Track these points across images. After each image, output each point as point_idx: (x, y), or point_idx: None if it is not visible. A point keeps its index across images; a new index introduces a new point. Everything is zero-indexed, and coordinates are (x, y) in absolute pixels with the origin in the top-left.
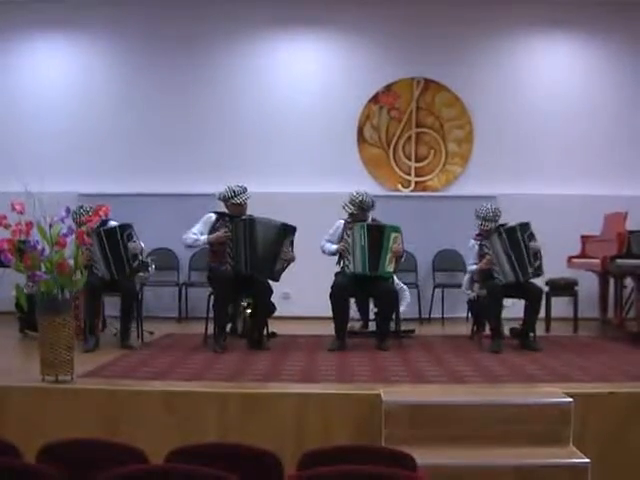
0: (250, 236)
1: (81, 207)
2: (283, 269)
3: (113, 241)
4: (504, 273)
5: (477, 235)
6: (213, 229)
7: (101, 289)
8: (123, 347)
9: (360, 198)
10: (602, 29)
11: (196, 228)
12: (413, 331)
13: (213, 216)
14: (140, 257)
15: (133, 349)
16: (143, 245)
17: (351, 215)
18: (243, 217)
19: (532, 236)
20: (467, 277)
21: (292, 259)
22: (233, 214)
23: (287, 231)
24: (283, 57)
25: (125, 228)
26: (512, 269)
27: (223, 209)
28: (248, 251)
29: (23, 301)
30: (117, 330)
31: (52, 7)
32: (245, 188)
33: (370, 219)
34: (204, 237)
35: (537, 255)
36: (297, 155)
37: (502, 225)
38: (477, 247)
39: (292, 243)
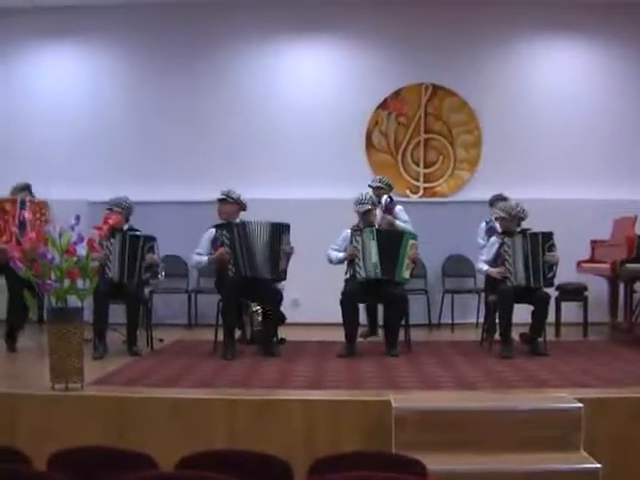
0: (245, 239)
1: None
2: (287, 265)
3: (134, 248)
4: (516, 276)
5: (500, 233)
6: (215, 242)
7: (108, 296)
8: (131, 354)
9: (363, 197)
10: (609, 31)
11: (200, 247)
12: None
13: (213, 231)
14: (154, 271)
15: (140, 356)
16: (160, 263)
17: (364, 214)
18: (236, 222)
19: (552, 247)
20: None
21: (292, 252)
22: (222, 217)
23: (281, 229)
24: (290, 63)
25: (149, 240)
26: (525, 273)
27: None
28: (245, 254)
29: (33, 305)
30: (125, 337)
31: (59, 16)
32: (228, 193)
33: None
34: (205, 258)
35: (552, 267)
36: (305, 161)
37: (525, 229)
38: (497, 245)
39: (289, 240)
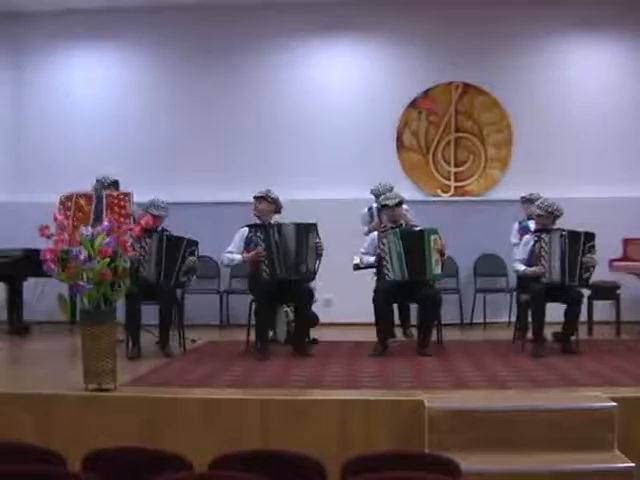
0: (280, 241)
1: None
2: (318, 266)
3: (174, 250)
4: (551, 272)
5: (535, 231)
6: (246, 243)
7: (140, 297)
8: (163, 355)
9: (392, 193)
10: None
11: (232, 246)
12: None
13: (246, 230)
14: (191, 274)
15: (173, 356)
16: (199, 267)
17: (392, 209)
18: (272, 223)
19: (592, 248)
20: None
21: (322, 250)
22: (260, 218)
23: (309, 229)
24: (320, 64)
25: (192, 243)
26: (561, 270)
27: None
28: (281, 255)
29: (67, 311)
30: (158, 338)
31: (90, 19)
32: (267, 192)
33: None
34: (239, 257)
35: (589, 269)
36: (336, 161)
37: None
38: (532, 242)
39: (318, 236)
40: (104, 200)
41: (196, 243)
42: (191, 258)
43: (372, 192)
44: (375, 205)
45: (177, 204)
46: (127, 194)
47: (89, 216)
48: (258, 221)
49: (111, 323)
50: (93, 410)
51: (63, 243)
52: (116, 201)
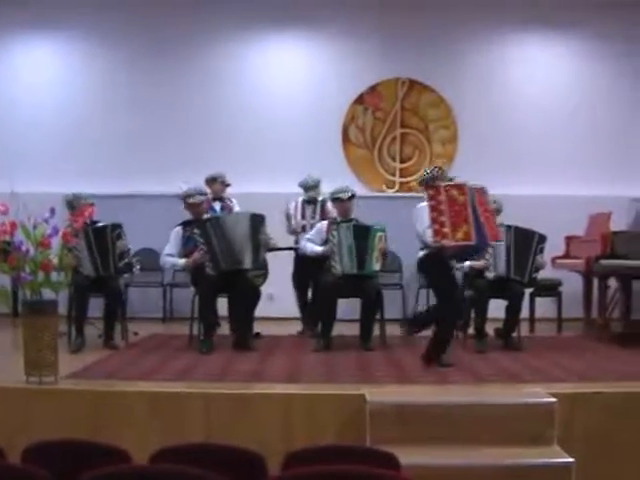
0: (222, 233)
1: (74, 196)
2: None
3: (102, 239)
4: (497, 266)
5: None
6: (184, 242)
7: (87, 289)
8: (107, 347)
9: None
10: (592, 29)
11: (168, 249)
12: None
13: (180, 230)
14: (126, 257)
15: (117, 349)
16: (130, 246)
17: (345, 202)
18: (207, 218)
19: (542, 251)
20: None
21: (274, 245)
22: (194, 215)
23: (259, 219)
24: (266, 58)
25: (115, 227)
26: (507, 264)
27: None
28: (224, 248)
29: (5, 301)
30: (101, 331)
31: (43, 8)
32: (200, 191)
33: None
34: (182, 261)
35: (537, 269)
36: (282, 156)
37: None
38: None
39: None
40: (474, 195)
41: (119, 226)
42: (120, 241)
43: (300, 185)
44: (302, 199)
45: (120, 196)
46: (484, 189)
47: (466, 210)
48: (191, 217)
49: (53, 315)
50: (34, 403)
51: (5, 234)
52: (477, 197)
